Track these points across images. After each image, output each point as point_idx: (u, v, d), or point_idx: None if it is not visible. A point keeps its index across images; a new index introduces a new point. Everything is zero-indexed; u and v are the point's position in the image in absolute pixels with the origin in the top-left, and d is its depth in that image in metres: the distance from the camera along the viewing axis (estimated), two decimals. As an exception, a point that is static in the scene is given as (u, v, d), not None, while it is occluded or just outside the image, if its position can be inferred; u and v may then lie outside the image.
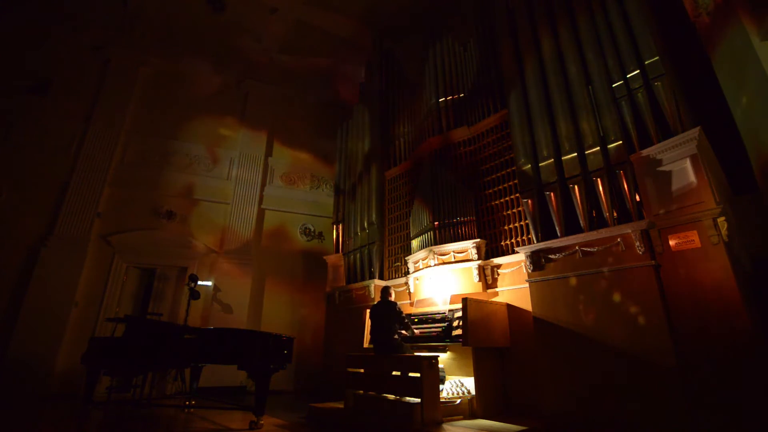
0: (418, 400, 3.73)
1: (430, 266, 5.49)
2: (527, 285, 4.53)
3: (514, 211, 5.25)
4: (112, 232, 7.88)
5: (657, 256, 3.65)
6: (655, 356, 3.41)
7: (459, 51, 6.77)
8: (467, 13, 6.87)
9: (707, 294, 3.31)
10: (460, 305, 4.48)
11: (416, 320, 5.22)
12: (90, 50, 8.87)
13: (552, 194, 4.44)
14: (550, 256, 4.37)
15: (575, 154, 4.38)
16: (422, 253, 5.66)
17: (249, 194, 9.25)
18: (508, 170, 5.45)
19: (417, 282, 5.70)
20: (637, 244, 3.73)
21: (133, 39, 8.99)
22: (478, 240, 5.26)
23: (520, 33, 5.43)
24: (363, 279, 7.05)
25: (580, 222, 4.20)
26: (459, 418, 4.07)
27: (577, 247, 4.15)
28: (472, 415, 4.18)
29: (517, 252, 4.74)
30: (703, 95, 4.74)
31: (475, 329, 4.29)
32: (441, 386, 4.24)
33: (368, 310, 5.65)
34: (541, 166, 4.66)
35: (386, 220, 7.31)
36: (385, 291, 4.98)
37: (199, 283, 7.02)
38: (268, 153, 9.89)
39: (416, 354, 4.46)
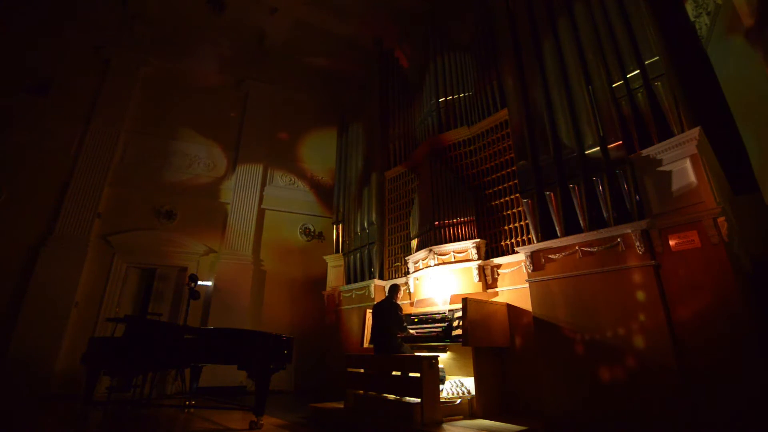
0: (418, 400, 3.72)
1: (430, 266, 5.49)
2: (527, 285, 4.53)
3: (514, 211, 5.25)
4: (112, 232, 7.88)
5: (657, 256, 3.65)
6: (655, 356, 3.41)
7: (459, 51, 6.77)
8: (467, 12, 6.87)
9: (707, 294, 3.31)
10: (460, 305, 4.48)
11: (416, 320, 5.22)
12: (90, 50, 8.87)
13: (552, 194, 4.43)
14: (550, 256, 4.36)
15: (575, 154, 4.38)
16: (422, 253, 5.66)
17: (249, 194, 9.24)
18: (508, 170, 5.45)
19: (417, 282, 5.70)
20: (637, 244, 3.73)
21: (133, 39, 9.01)
22: (478, 240, 5.26)
23: (519, 33, 5.43)
24: (363, 279, 7.06)
25: (580, 222, 4.20)
26: (459, 418, 4.07)
27: (577, 247, 4.15)
28: (472, 415, 4.18)
29: (517, 252, 4.73)
30: (703, 95, 4.74)
31: (474, 329, 4.28)
32: (441, 386, 4.24)
33: (368, 310, 5.66)
34: (541, 166, 4.66)
35: (386, 220, 7.31)
36: (393, 289, 4.97)
37: (199, 283, 7.02)
38: (269, 152, 9.88)
39: (416, 354, 4.46)
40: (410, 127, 7.50)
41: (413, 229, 6.22)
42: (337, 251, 8.17)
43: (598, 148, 4.20)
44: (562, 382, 3.95)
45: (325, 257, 8.34)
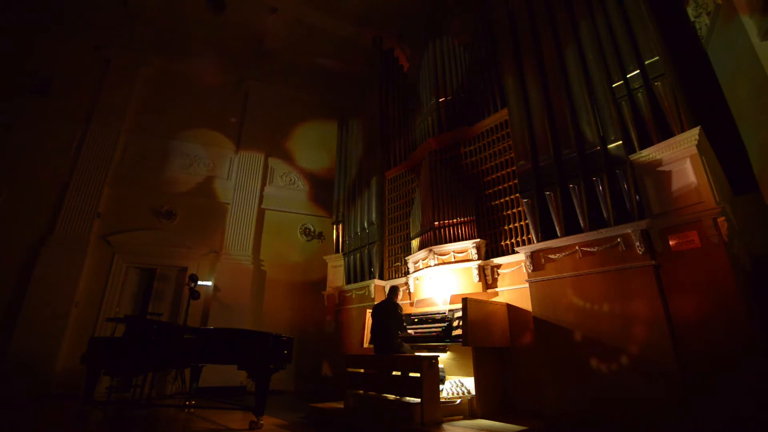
0: (418, 400, 3.73)
1: (430, 266, 5.48)
2: (527, 285, 4.53)
3: (514, 211, 5.25)
4: (112, 232, 7.89)
5: (657, 256, 3.65)
6: (655, 356, 3.41)
7: (459, 51, 6.77)
8: (467, 13, 6.87)
9: (707, 294, 3.31)
10: (460, 305, 4.48)
11: (416, 320, 5.22)
12: (90, 50, 8.88)
13: (552, 194, 4.43)
14: (550, 256, 4.36)
15: (575, 154, 4.38)
16: (422, 253, 5.66)
17: (249, 194, 9.25)
18: (508, 170, 5.45)
19: (417, 282, 5.70)
20: (637, 244, 3.73)
21: (133, 39, 9.00)
22: (478, 240, 5.25)
23: (520, 33, 5.43)
24: (363, 279, 7.05)
25: (580, 222, 4.20)
26: (459, 418, 4.07)
27: (577, 247, 4.15)
28: (472, 415, 4.18)
29: (517, 252, 4.73)
30: (703, 95, 4.73)
31: (475, 329, 4.28)
32: (441, 386, 4.24)
33: (368, 310, 5.66)
34: (541, 166, 4.66)
35: (386, 220, 7.30)
36: (393, 290, 4.99)
37: (199, 283, 7.02)
38: (269, 153, 9.89)
39: (416, 354, 4.46)
40: (410, 126, 7.50)
41: (413, 229, 6.22)
42: (337, 251, 8.17)
43: (598, 147, 4.20)
44: (562, 382, 3.95)
45: (325, 257, 8.34)
